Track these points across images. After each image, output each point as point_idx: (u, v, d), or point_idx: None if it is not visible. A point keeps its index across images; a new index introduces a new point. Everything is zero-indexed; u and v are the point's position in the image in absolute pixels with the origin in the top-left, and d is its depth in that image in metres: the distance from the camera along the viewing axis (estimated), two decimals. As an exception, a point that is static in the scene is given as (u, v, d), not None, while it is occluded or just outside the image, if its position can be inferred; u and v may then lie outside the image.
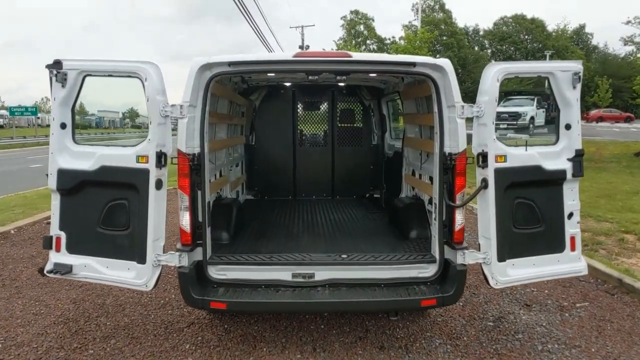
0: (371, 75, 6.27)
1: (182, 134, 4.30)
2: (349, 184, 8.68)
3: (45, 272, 4.48)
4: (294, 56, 4.35)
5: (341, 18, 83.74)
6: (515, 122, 28.88)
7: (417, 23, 47.06)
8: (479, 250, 4.47)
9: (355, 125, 8.80)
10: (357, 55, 4.45)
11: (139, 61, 4.24)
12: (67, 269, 4.43)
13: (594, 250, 7.93)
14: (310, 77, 5.05)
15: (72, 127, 4.46)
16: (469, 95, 31.46)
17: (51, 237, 4.47)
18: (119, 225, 4.38)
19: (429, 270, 4.66)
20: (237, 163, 7.85)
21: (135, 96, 4.44)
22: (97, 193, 4.42)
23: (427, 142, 5.85)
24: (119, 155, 4.35)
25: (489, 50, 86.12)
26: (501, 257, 4.42)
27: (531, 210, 4.56)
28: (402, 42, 37.55)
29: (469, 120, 4.44)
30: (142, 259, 4.30)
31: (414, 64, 4.42)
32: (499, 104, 4.54)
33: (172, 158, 4.34)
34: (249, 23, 25.91)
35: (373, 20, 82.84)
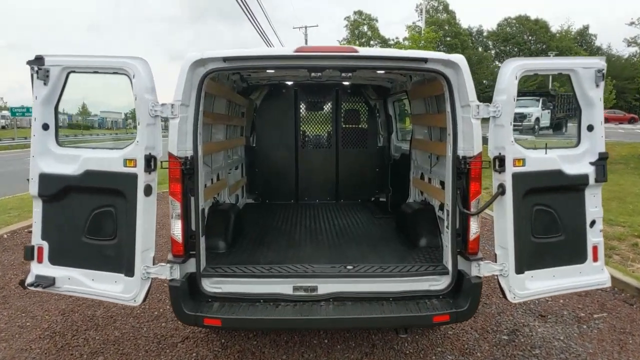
0: (379, 72, 5.92)
1: (174, 136, 3.97)
2: (354, 188, 8.36)
3: (26, 285, 4.16)
4: (295, 51, 4.02)
5: (345, 19, 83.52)
6: (520, 124, 28.54)
7: (421, 24, 46.75)
8: (495, 261, 4.13)
9: (360, 126, 8.46)
10: (364, 51, 4.11)
11: (127, 56, 3.92)
12: (50, 282, 4.10)
13: (608, 256, 7.54)
14: (313, 75, 4.67)
15: (56, 128, 4.14)
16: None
17: (32, 247, 4.15)
18: (105, 235, 4.06)
19: (441, 283, 4.32)
20: (236, 165, 7.53)
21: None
22: (81, 200, 4.09)
23: (437, 144, 5.52)
24: (105, 158, 4.02)
25: (493, 51, 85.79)
26: (519, 269, 4.08)
27: (551, 218, 4.22)
28: (406, 42, 37.23)
29: (484, 120, 4.11)
30: (130, 272, 3.98)
31: (425, 60, 4.09)
32: None
33: (161, 162, 4.00)
34: (251, 22, 25.65)
35: (377, 21, 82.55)
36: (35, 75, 3.97)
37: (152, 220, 4.00)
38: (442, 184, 5.26)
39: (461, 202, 4.15)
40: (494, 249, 4.18)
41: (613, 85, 60.89)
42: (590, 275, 4.33)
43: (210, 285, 4.23)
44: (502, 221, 4.07)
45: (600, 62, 4.17)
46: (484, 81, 68.94)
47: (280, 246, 5.37)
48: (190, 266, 4.15)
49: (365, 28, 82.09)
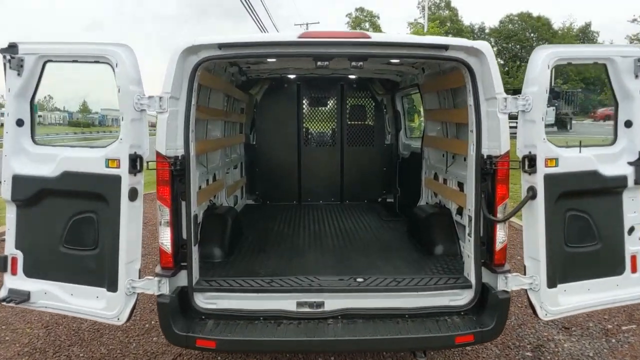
0: (392, 61, 5.44)
1: (162, 133, 3.53)
2: (360, 188, 8.00)
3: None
4: (300, 37, 3.56)
5: (346, 15, 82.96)
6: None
7: (423, 21, 46.30)
8: (524, 274, 3.68)
9: (366, 122, 8.09)
10: (377, 36, 3.66)
11: (109, 43, 3.47)
12: (24, 297, 3.65)
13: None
14: (319, 64, 4.19)
15: (32, 124, 3.70)
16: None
17: (5, 257, 3.70)
18: (85, 244, 3.62)
19: (463, 298, 3.87)
20: (235, 165, 7.13)
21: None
22: (59, 205, 3.65)
23: (453, 141, 5.08)
24: (85, 158, 3.57)
25: (495, 49, 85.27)
26: (551, 283, 3.64)
27: (586, 225, 3.79)
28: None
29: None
30: (113, 286, 3.53)
31: (446, 47, 3.63)
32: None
33: (147, 162, 3.55)
34: (253, 19, 25.35)
35: (378, 17, 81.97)
36: (7, 65, 3.55)
37: (138, 228, 3.57)
38: (460, 185, 4.81)
39: (486, 207, 3.70)
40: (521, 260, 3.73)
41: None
42: (629, 288, 3.90)
43: (204, 301, 3.79)
44: (532, 229, 3.63)
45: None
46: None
47: (282, 254, 4.92)
48: (182, 279, 3.72)
49: (367, 25, 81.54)
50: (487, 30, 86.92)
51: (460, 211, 4.79)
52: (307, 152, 7.99)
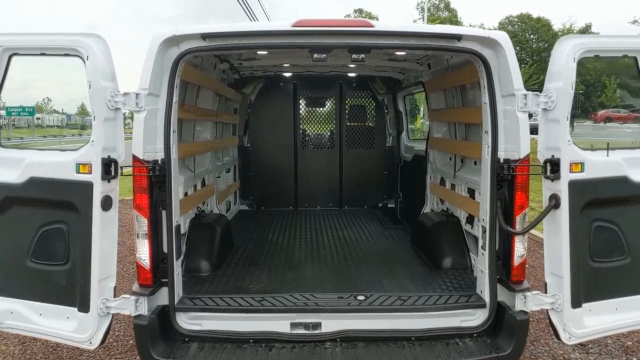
0: (398, 54, 5.05)
1: (139, 134, 3.17)
2: (359, 193, 7.69)
3: None
4: (294, 25, 3.17)
5: (345, 17, 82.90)
6: (527, 121, 27.83)
7: (422, 22, 46.04)
8: (545, 292, 3.30)
9: (366, 123, 7.78)
10: (381, 25, 3.28)
11: (79, 34, 3.10)
12: None
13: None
14: (315, 56, 3.78)
15: None
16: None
17: None
18: (55, 259, 3.26)
19: (476, 318, 3.49)
20: (228, 168, 6.77)
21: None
22: (26, 214, 3.29)
23: (462, 143, 4.70)
24: (53, 163, 3.20)
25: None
26: (576, 302, 3.27)
27: (614, 237, 3.43)
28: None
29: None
30: (84, 306, 3.16)
31: (458, 37, 3.26)
32: None
33: (122, 167, 3.17)
34: (250, 19, 25.03)
35: (377, 19, 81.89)
36: None
37: (112, 241, 3.20)
38: (471, 191, 4.42)
39: (503, 218, 3.31)
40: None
41: (617, 84, 60.38)
42: None
43: (187, 322, 3.41)
44: (555, 241, 3.27)
45: None
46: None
47: (276, 268, 4.53)
48: (162, 298, 3.35)
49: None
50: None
51: (470, 220, 4.41)
52: (304, 155, 7.68)
